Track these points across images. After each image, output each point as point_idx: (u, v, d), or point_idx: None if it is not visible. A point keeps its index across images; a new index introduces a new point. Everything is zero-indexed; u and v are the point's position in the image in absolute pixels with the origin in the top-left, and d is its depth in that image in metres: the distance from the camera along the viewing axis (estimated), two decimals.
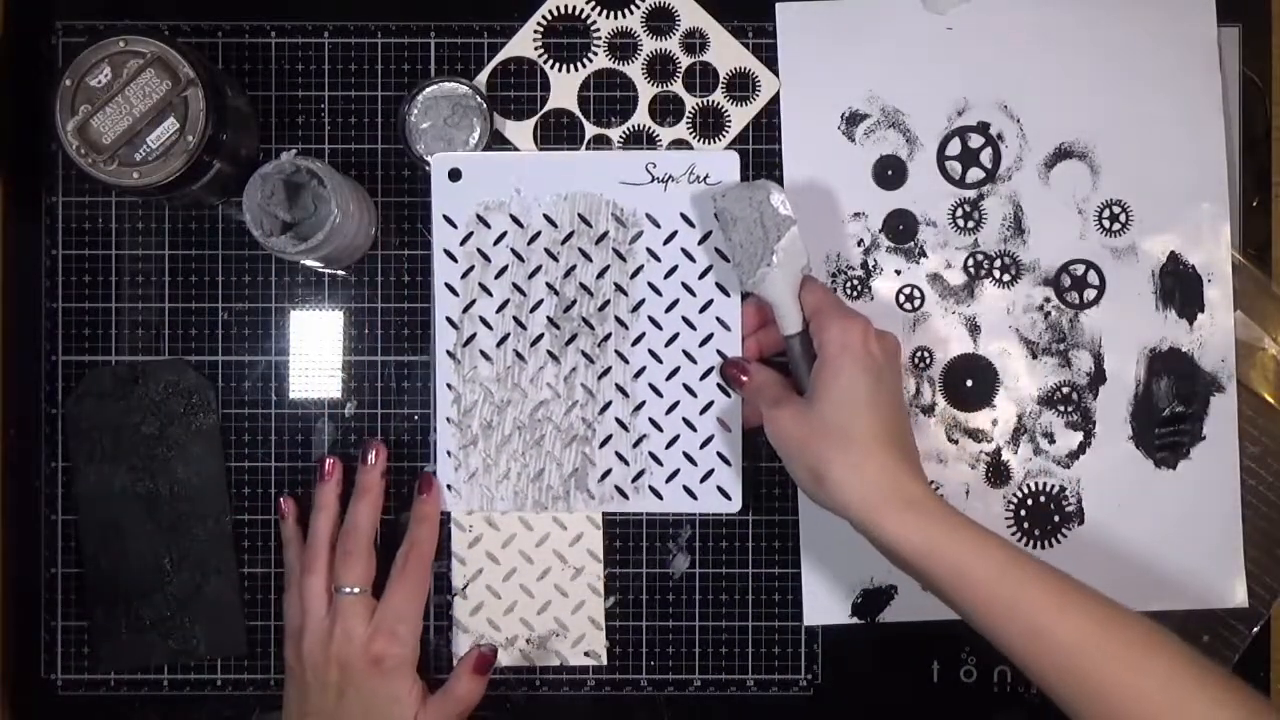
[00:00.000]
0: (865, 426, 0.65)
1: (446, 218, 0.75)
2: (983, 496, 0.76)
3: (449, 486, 0.75)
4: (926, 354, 0.76)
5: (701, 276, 0.75)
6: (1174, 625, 0.76)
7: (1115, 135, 0.76)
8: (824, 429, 0.66)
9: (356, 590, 0.71)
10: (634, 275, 0.74)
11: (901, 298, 0.76)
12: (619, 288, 0.74)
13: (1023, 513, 0.76)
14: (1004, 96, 0.76)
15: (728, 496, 0.76)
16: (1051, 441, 0.76)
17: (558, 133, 0.76)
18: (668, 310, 0.74)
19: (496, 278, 0.74)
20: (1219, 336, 0.76)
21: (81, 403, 0.76)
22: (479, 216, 0.74)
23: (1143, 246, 0.76)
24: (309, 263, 0.73)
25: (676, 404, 0.75)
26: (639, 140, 0.76)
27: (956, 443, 0.76)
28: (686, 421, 0.75)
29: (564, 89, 0.76)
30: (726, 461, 0.75)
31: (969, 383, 0.76)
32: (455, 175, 0.74)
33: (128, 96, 0.67)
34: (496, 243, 0.74)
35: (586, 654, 0.76)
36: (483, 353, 0.75)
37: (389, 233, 0.77)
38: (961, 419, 0.76)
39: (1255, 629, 0.76)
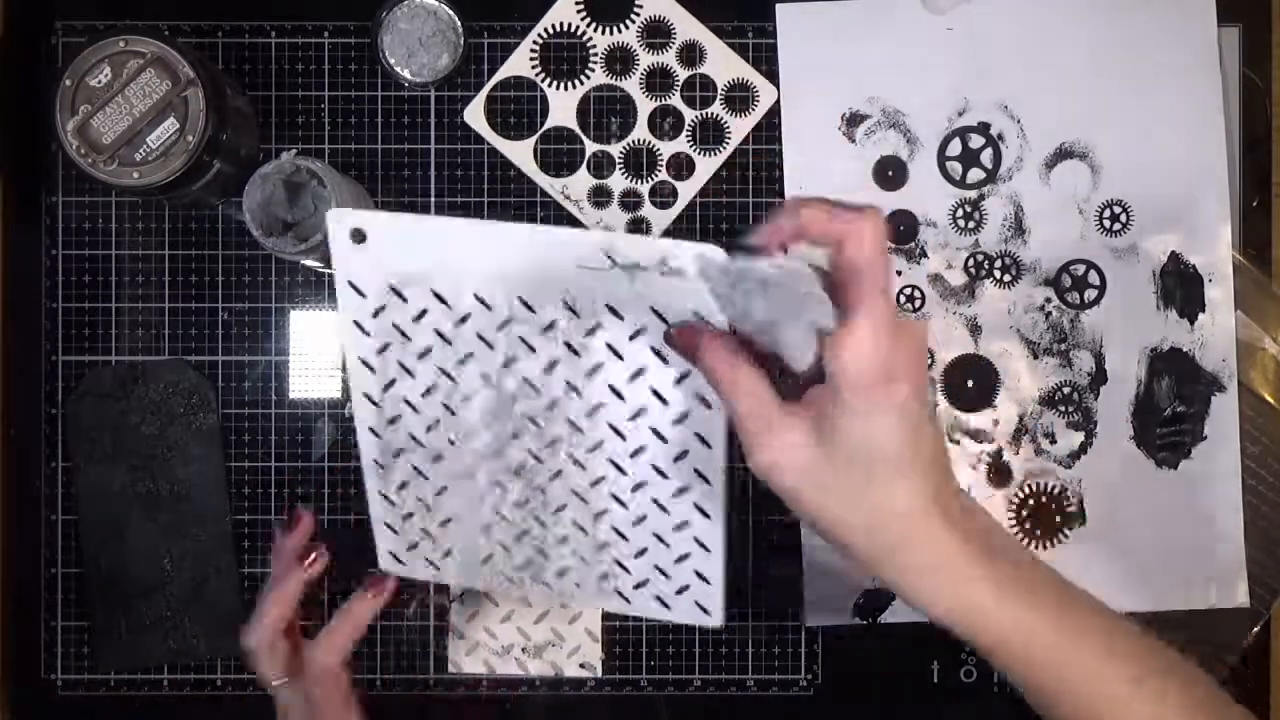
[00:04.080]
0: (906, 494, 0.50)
1: (352, 285, 0.58)
2: (984, 497, 0.76)
3: (390, 553, 0.66)
4: (928, 355, 0.76)
5: (678, 383, 0.56)
6: (1174, 625, 0.76)
7: (1115, 135, 0.76)
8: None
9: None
10: (590, 374, 0.57)
11: (902, 298, 0.76)
12: (571, 386, 0.58)
13: (1024, 513, 0.76)
14: (1004, 97, 0.76)
15: (706, 612, 0.62)
16: (1053, 441, 0.76)
17: (558, 149, 0.76)
18: (632, 418, 0.58)
19: (420, 358, 0.59)
20: (1220, 336, 0.76)
21: (81, 403, 0.76)
22: (392, 288, 0.58)
23: (1143, 246, 0.76)
24: (309, 263, 0.73)
25: (644, 518, 0.60)
26: (639, 156, 0.76)
27: (958, 443, 0.76)
28: (657, 536, 0.61)
29: (562, 106, 0.76)
30: (705, 580, 0.61)
31: (970, 383, 0.76)
32: (359, 236, 0.56)
33: (128, 96, 0.67)
34: (417, 319, 0.58)
35: (582, 665, 0.76)
36: (411, 435, 0.62)
37: None
38: (963, 419, 0.76)
39: (1255, 629, 0.76)
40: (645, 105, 0.76)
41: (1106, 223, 0.76)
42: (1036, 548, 0.76)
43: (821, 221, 0.50)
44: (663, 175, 0.77)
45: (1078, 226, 0.76)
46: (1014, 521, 0.76)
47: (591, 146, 0.77)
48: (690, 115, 0.77)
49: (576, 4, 0.76)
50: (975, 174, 0.76)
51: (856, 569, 0.53)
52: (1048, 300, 0.76)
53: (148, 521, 0.76)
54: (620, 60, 0.77)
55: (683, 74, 0.77)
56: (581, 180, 0.76)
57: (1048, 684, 0.52)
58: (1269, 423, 0.76)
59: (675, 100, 0.77)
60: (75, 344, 0.76)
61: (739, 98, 0.77)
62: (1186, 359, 0.76)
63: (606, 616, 0.76)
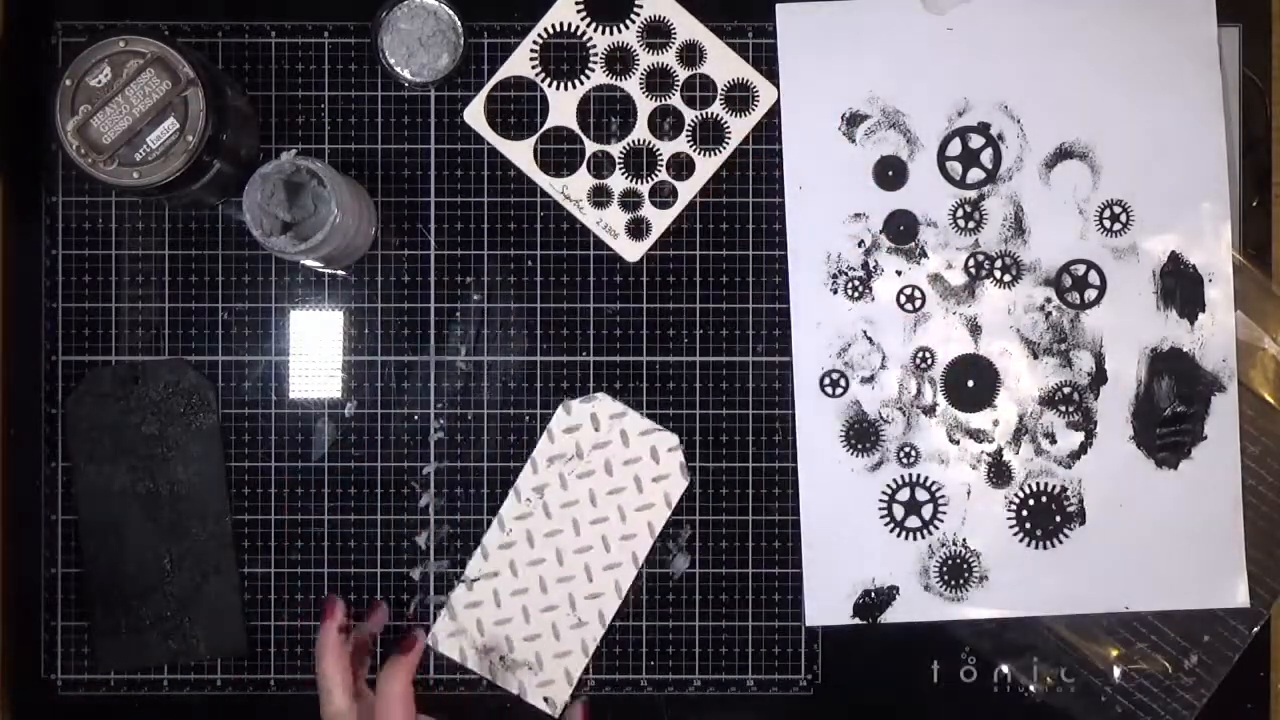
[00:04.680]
0: None
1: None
2: (984, 497, 0.76)
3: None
4: (928, 354, 0.76)
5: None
6: (1174, 625, 0.76)
7: (1115, 135, 0.76)
8: None
9: None
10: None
11: (902, 298, 0.76)
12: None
13: (1024, 513, 0.76)
14: (1004, 96, 0.76)
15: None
16: (1053, 442, 0.76)
17: (558, 149, 0.76)
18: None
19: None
20: (1220, 336, 0.76)
21: (81, 403, 0.76)
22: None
23: (1143, 246, 0.76)
24: (309, 263, 0.73)
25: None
26: (639, 156, 0.76)
27: (958, 443, 0.76)
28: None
29: (562, 106, 0.76)
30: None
31: (970, 383, 0.76)
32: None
33: (128, 96, 0.67)
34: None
35: (545, 700, 0.76)
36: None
37: (389, 233, 0.77)
38: (963, 419, 0.76)
39: (1255, 629, 0.76)
40: (645, 105, 0.77)
41: (1106, 223, 0.76)
42: (1038, 548, 0.76)
43: None
44: (663, 175, 0.77)
45: (1078, 226, 0.76)
46: (1014, 522, 0.76)
47: (591, 146, 0.77)
48: (690, 115, 0.77)
49: (576, 4, 0.76)
50: (975, 174, 0.76)
51: None
52: (1048, 300, 0.76)
53: (147, 521, 0.76)
54: (620, 60, 0.77)
55: (683, 74, 0.77)
56: (581, 180, 0.77)
57: None
58: (1269, 423, 0.76)
59: (675, 100, 0.77)
60: (75, 344, 0.76)
61: (739, 98, 0.77)
62: (1186, 359, 0.76)
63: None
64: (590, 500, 0.76)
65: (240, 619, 0.76)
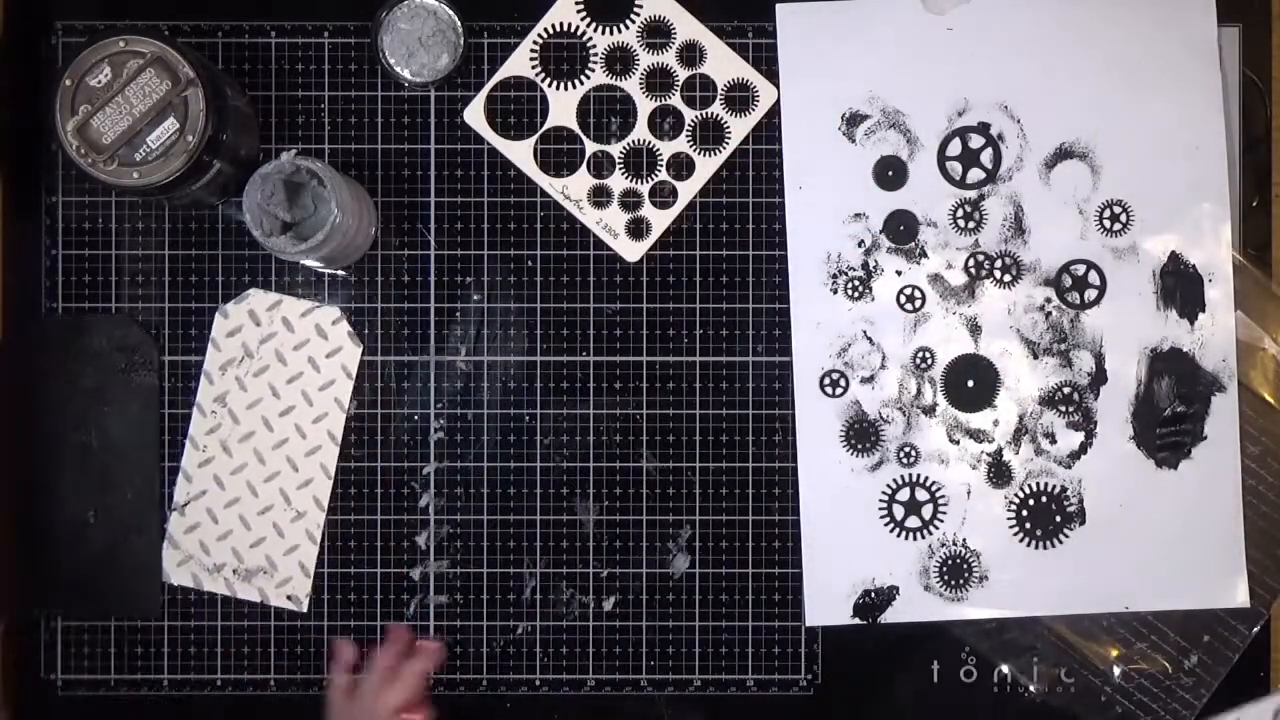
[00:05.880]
0: None
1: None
2: (984, 497, 0.76)
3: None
4: (928, 354, 0.76)
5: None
6: (1174, 625, 0.76)
7: (1115, 135, 0.76)
8: None
9: None
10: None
11: (902, 298, 0.76)
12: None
13: (1024, 513, 0.76)
14: (1004, 96, 0.76)
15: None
16: (1053, 442, 0.76)
17: (558, 149, 0.76)
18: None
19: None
20: (1220, 336, 0.76)
21: (20, 351, 0.75)
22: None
23: (1143, 246, 0.76)
24: (309, 263, 0.73)
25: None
26: (639, 156, 0.76)
27: (958, 443, 0.76)
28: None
29: (562, 106, 0.76)
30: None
31: (970, 383, 0.76)
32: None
33: (128, 96, 0.67)
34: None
35: (289, 598, 0.76)
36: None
37: (389, 233, 0.77)
38: (963, 419, 0.76)
39: (1255, 629, 0.76)
40: (645, 105, 0.77)
41: (1106, 223, 0.76)
42: (1037, 548, 0.76)
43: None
44: (663, 175, 0.77)
45: (1078, 226, 0.76)
46: (1014, 522, 0.76)
47: (591, 146, 0.77)
48: (690, 115, 0.77)
49: (576, 4, 0.76)
50: (975, 174, 0.76)
51: None
52: (1048, 300, 0.76)
53: (78, 474, 0.75)
54: (620, 60, 0.77)
55: (683, 74, 0.77)
56: (581, 180, 0.77)
57: None
58: (1269, 423, 0.76)
59: (675, 100, 0.77)
60: None
61: (739, 98, 0.77)
62: (1186, 359, 0.76)
63: (609, 617, 0.76)
64: (273, 394, 0.76)
65: (157, 582, 0.76)
